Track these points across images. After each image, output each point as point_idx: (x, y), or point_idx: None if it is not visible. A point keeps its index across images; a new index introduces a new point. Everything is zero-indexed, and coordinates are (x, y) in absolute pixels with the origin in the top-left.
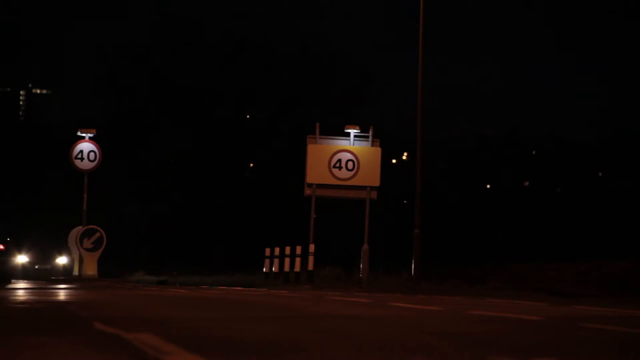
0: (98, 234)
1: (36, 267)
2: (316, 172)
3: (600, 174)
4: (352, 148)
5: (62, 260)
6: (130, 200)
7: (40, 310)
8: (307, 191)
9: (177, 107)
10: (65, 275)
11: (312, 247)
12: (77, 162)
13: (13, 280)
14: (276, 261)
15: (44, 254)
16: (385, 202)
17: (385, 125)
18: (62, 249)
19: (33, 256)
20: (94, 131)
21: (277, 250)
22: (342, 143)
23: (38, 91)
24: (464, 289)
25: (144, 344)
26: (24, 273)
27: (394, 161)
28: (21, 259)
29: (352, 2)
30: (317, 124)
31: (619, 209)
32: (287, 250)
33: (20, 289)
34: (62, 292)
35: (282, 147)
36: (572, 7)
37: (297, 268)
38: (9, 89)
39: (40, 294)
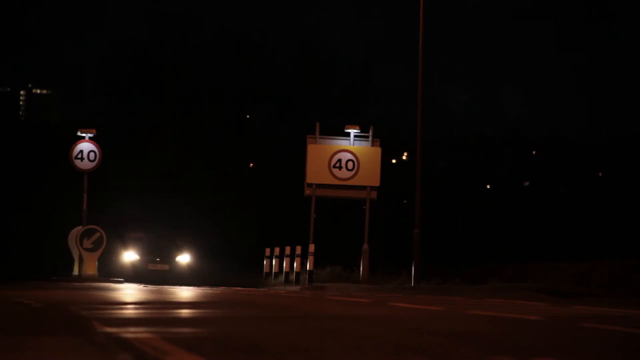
0: (98, 234)
1: (149, 267)
2: (316, 172)
3: (600, 174)
4: (352, 148)
5: (183, 258)
6: (130, 200)
7: (40, 310)
8: (307, 191)
9: (176, 106)
10: (184, 277)
11: (312, 247)
12: (77, 162)
13: (117, 284)
14: (276, 261)
15: (159, 251)
16: (385, 202)
17: (385, 125)
18: (182, 243)
19: (145, 253)
20: (94, 131)
21: (277, 250)
22: (342, 143)
23: (38, 91)
24: (464, 289)
25: (144, 344)
26: (135, 274)
27: (394, 161)
28: (128, 256)
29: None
30: (317, 124)
31: (619, 209)
32: (287, 250)
33: (130, 306)
34: (63, 292)
35: (282, 147)
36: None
37: (297, 268)
38: (9, 89)
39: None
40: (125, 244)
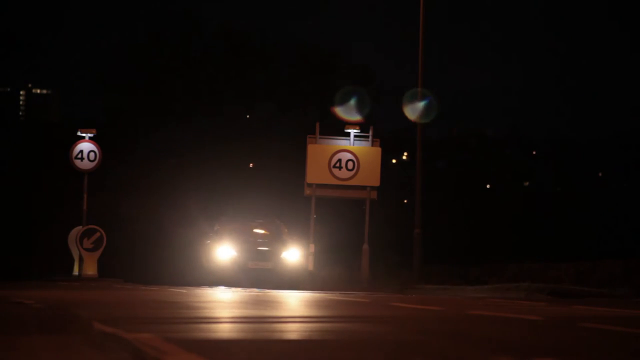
0: (98, 234)
1: (250, 265)
2: (316, 172)
3: (600, 174)
4: (352, 148)
5: (291, 255)
6: (130, 200)
7: (40, 310)
8: (307, 191)
9: (176, 106)
10: (292, 279)
11: (312, 247)
12: (77, 162)
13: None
14: None
15: (261, 247)
16: (385, 202)
17: (386, 125)
18: (287, 237)
19: (245, 249)
20: (94, 131)
21: None
22: (342, 143)
23: (38, 91)
24: (465, 289)
25: (144, 344)
26: (234, 274)
27: (394, 161)
28: (225, 252)
29: (353, 1)
30: (317, 124)
31: (619, 209)
32: None
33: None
34: (63, 292)
35: (282, 147)
36: (572, 7)
37: None
38: (9, 89)
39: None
40: (218, 237)
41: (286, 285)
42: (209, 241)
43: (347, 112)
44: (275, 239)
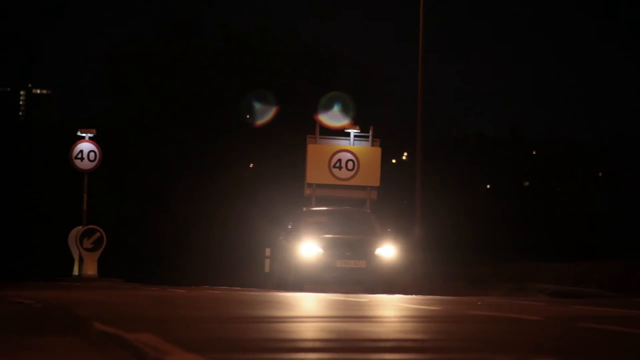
0: (98, 234)
1: (338, 264)
2: (316, 172)
3: (600, 174)
4: (352, 148)
5: (387, 251)
6: (130, 200)
7: (40, 310)
8: (307, 191)
9: (176, 106)
10: (388, 279)
11: None
12: (77, 162)
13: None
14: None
15: (351, 243)
16: (385, 202)
17: (385, 125)
18: (380, 230)
19: (332, 245)
20: (94, 131)
21: None
22: (342, 143)
23: (38, 91)
24: (465, 289)
25: (144, 344)
26: (318, 273)
27: (394, 161)
28: (309, 249)
29: (353, 1)
30: (317, 124)
31: (619, 209)
32: None
33: None
34: (63, 293)
35: (281, 147)
36: (572, 7)
37: None
38: (9, 89)
39: None
40: (299, 232)
41: (381, 288)
42: (282, 238)
43: (331, 118)
44: (368, 233)
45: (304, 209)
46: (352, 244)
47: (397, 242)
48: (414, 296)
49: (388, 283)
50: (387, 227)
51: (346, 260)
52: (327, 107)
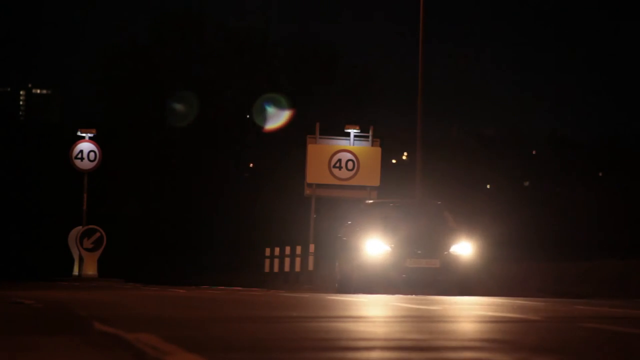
0: (98, 234)
1: (409, 263)
2: (316, 172)
3: (600, 174)
4: (352, 148)
5: (463, 249)
6: (130, 200)
7: (40, 310)
8: (307, 191)
9: (177, 106)
10: (465, 280)
11: (312, 247)
12: (77, 162)
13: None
14: (276, 261)
15: (422, 239)
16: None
17: (385, 125)
18: (455, 225)
19: (401, 242)
20: (94, 131)
21: (277, 250)
22: (342, 143)
23: (38, 91)
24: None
25: (144, 344)
26: (385, 274)
27: (394, 161)
28: (375, 247)
29: (354, 1)
30: (317, 124)
31: (619, 209)
32: (287, 250)
33: None
34: (63, 293)
35: (282, 147)
36: (573, 7)
37: (297, 268)
38: (9, 89)
39: None
40: (363, 228)
41: (456, 290)
42: (341, 234)
43: (270, 121)
44: (440, 228)
45: (367, 201)
46: (423, 241)
47: (473, 238)
48: (500, 299)
49: (464, 285)
50: (461, 223)
51: (417, 260)
52: (261, 111)
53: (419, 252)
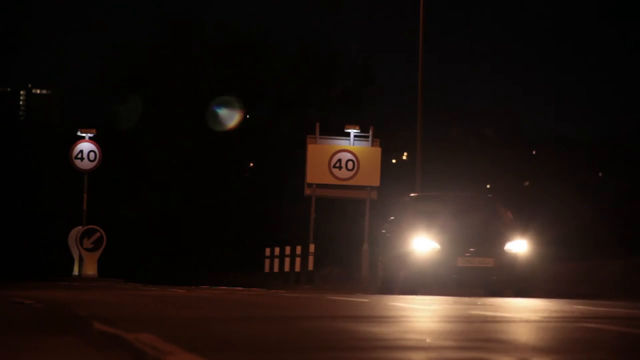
0: (98, 234)
1: (459, 262)
2: (316, 172)
3: (600, 174)
4: (352, 148)
5: (518, 246)
6: (130, 201)
7: (40, 310)
8: (307, 191)
9: (177, 106)
10: (521, 280)
11: (312, 247)
12: (77, 162)
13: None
14: (276, 261)
15: (475, 236)
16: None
17: (385, 125)
18: (509, 221)
19: (451, 240)
20: (94, 131)
21: (277, 250)
22: (342, 143)
23: (38, 91)
24: (464, 289)
25: (144, 344)
26: (434, 274)
27: (394, 161)
28: (422, 244)
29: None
30: (317, 124)
31: (618, 209)
32: (287, 250)
33: None
34: (63, 293)
35: (282, 147)
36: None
37: (297, 268)
38: (9, 89)
39: None
40: (408, 224)
41: (511, 291)
42: (384, 231)
43: (223, 122)
44: (494, 224)
45: (411, 194)
46: (476, 238)
47: (527, 236)
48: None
49: (521, 286)
50: (516, 219)
51: (469, 258)
52: (215, 118)
53: (472, 250)
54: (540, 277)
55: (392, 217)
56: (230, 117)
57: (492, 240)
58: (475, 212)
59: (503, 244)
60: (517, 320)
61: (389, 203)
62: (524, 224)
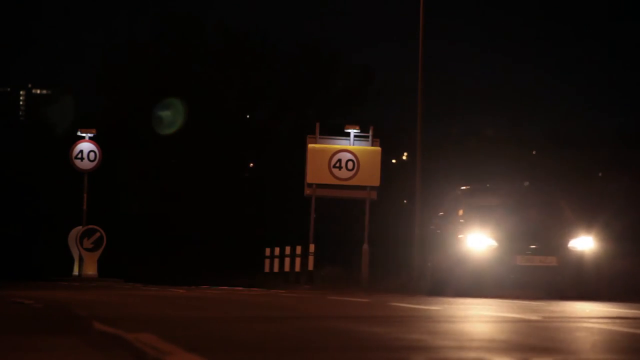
0: (98, 234)
1: (519, 261)
2: (316, 172)
3: (600, 174)
4: (352, 148)
5: (582, 243)
6: (130, 200)
7: (40, 310)
8: (307, 191)
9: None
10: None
11: (312, 247)
12: (77, 162)
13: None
14: (276, 261)
15: (535, 233)
16: (385, 202)
17: (386, 125)
18: (572, 217)
19: (509, 237)
20: (94, 131)
21: (277, 250)
22: (342, 143)
23: (38, 91)
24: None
25: (144, 344)
26: (491, 273)
27: (394, 161)
28: (478, 241)
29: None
30: (317, 124)
31: (618, 209)
32: (287, 250)
33: None
34: (63, 293)
35: (282, 147)
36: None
37: (297, 268)
38: (9, 89)
39: None
40: (462, 219)
41: (576, 292)
42: (434, 227)
43: (167, 125)
44: (556, 219)
45: (462, 187)
46: (536, 235)
47: (594, 230)
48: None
49: (586, 287)
50: (579, 215)
51: (529, 257)
52: (159, 122)
53: (532, 247)
54: (608, 278)
55: (442, 212)
56: (174, 121)
57: (554, 236)
58: (535, 206)
59: (566, 241)
60: (517, 320)
61: (439, 195)
62: (588, 219)
